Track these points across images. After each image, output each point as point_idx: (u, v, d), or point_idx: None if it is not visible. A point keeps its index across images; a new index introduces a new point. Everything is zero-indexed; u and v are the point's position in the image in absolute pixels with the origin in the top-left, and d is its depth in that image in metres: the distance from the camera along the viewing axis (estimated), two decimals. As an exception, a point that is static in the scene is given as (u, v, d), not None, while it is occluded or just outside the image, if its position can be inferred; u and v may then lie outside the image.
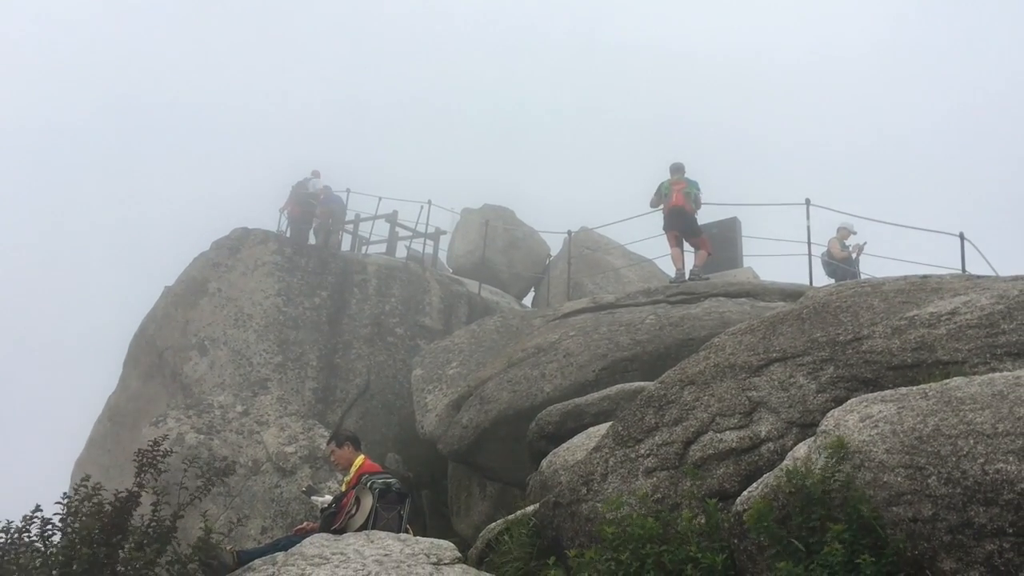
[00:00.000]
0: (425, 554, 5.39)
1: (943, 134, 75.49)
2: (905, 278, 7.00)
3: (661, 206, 13.70)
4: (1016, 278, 6.46)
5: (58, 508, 6.47)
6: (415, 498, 10.68)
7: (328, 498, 7.55)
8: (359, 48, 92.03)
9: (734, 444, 4.81)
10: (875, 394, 4.32)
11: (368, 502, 6.79)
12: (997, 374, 4.14)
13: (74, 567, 6.00)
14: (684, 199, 13.38)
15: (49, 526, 6.36)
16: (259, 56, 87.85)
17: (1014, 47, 78.50)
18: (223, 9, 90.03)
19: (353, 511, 6.83)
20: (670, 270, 14.88)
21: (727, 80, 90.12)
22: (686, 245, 13.84)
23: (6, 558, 6.18)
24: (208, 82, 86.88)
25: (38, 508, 6.43)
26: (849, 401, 4.37)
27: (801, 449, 4.24)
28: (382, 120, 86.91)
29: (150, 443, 7.02)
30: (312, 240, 19.32)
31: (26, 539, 6.29)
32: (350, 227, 21.71)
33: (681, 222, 13.51)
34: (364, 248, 21.86)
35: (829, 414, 4.30)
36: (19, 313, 54.78)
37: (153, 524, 6.46)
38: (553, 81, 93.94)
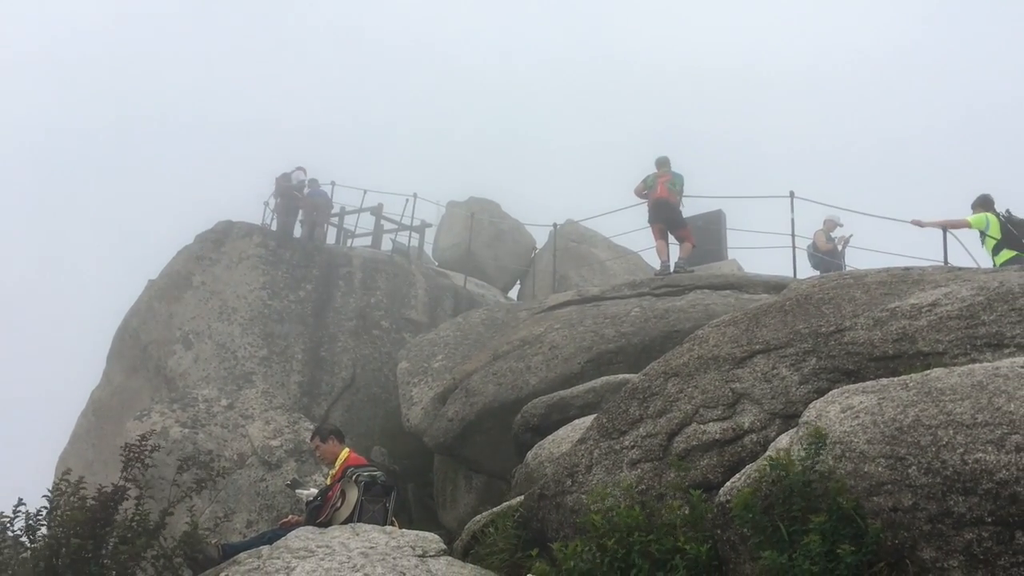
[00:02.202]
0: (411, 546, 5.40)
1: (927, 132, 76.56)
2: (887, 270, 7.05)
3: (646, 193, 13.76)
4: (996, 270, 6.52)
5: (42, 502, 6.46)
6: (400, 491, 10.68)
7: (313, 491, 7.56)
8: (354, 45, 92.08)
9: (717, 435, 4.84)
10: (856, 385, 4.34)
11: (353, 495, 6.80)
12: (977, 365, 4.18)
13: (58, 560, 5.99)
14: (668, 191, 13.47)
15: (32, 520, 6.34)
16: (251, 53, 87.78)
17: (997, 54, 79.84)
18: (217, 7, 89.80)
19: (339, 504, 6.84)
20: (655, 262, 14.94)
21: (717, 82, 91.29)
22: (671, 238, 13.90)
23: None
24: (199, 79, 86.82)
25: (21, 502, 6.42)
26: (831, 392, 4.39)
27: (783, 440, 4.27)
28: (375, 118, 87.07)
29: (138, 437, 7.01)
30: (297, 233, 19.25)
31: (10, 533, 6.28)
32: (335, 220, 21.65)
33: (666, 214, 13.58)
34: (349, 241, 21.80)
35: (811, 405, 4.33)
36: (2, 307, 54.44)
37: (137, 518, 6.45)
38: (544, 80, 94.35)
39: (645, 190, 13.77)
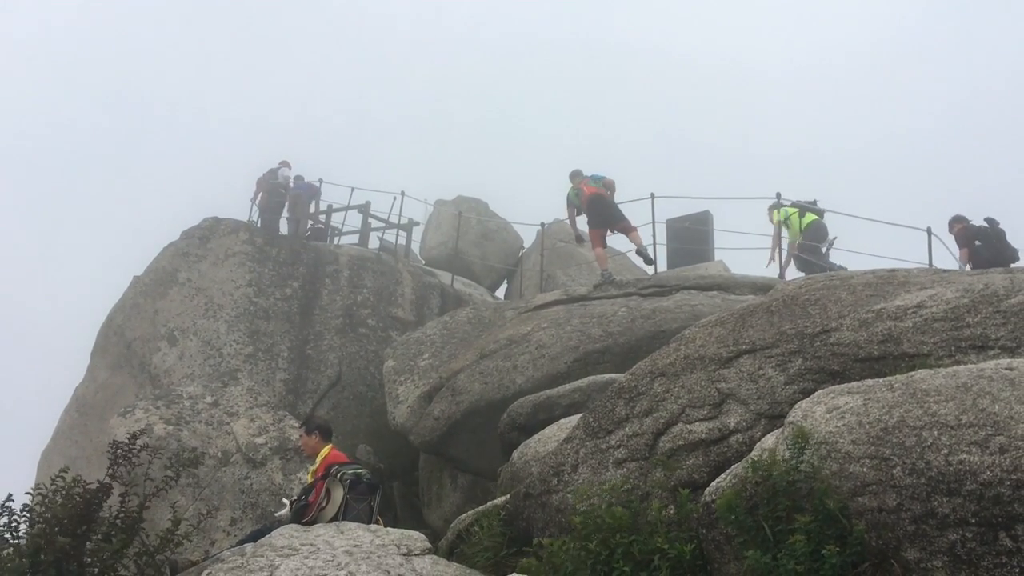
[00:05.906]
0: (395, 545, 5.39)
1: (914, 133, 77.27)
2: (873, 272, 7.08)
3: (577, 210, 13.43)
4: (981, 272, 6.55)
5: (25, 499, 6.42)
6: (386, 489, 10.66)
7: (292, 497, 7.53)
8: (342, 42, 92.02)
9: (703, 435, 4.85)
10: (842, 386, 4.36)
11: (339, 494, 6.77)
12: (961, 367, 4.20)
13: (42, 557, 5.95)
14: (597, 188, 13.02)
15: (16, 517, 6.30)
16: (240, 50, 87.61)
17: (985, 53, 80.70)
18: (206, 5, 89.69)
19: (324, 503, 6.81)
20: (642, 263, 14.87)
21: (706, 81, 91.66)
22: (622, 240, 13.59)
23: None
24: (185, 75, 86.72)
25: (10, 497, 6.38)
26: (816, 393, 4.41)
27: (769, 440, 4.28)
28: (363, 115, 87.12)
29: (128, 436, 6.96)
30: (283, 230, 19.14)
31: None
32: (322, 217, 21.55)
33: (605, 209, 13.01)
34: (336, 239, 21.71)
35: (797, 405, 4.34)
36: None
37: (121, 515, 6.41)
38: (533, 78, 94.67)
39: (573, 205, 13.41)
